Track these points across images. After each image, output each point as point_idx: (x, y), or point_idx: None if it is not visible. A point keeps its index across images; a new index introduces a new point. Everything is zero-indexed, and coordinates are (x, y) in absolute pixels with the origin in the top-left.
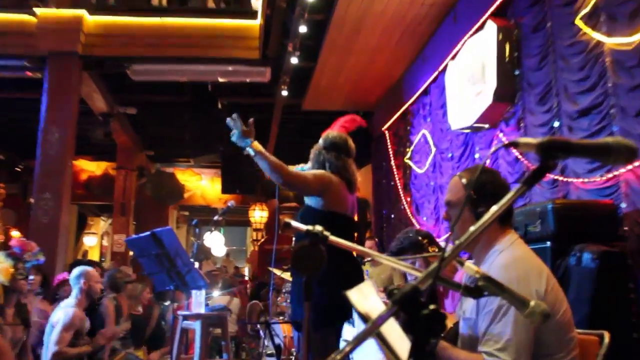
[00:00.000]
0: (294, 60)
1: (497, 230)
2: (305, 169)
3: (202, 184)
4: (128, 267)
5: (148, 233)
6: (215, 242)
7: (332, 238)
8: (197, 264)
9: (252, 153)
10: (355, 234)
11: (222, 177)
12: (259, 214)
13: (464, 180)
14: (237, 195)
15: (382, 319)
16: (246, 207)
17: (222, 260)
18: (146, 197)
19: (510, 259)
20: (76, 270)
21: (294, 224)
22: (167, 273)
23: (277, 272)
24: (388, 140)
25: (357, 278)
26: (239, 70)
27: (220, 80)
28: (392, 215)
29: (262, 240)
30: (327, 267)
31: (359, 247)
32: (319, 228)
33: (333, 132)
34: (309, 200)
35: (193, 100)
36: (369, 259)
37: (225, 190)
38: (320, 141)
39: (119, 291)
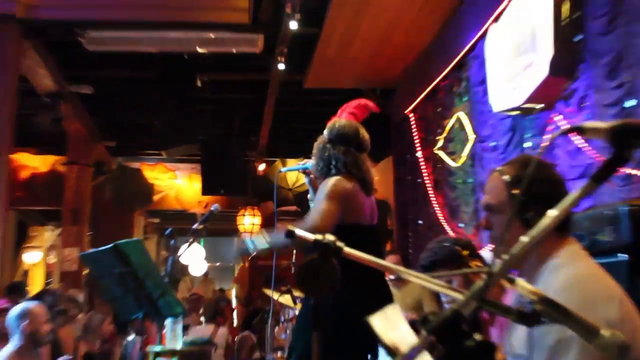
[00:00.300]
0: (294, 25)
1: (554, 241)
2: (308, 166)
3: (177, 183)
4: (80, 290)
5: (109, 246)
6: (195, 257)
7: (348, 250)
8: (171, 286)
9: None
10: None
11: (202, 174)
12: (249, 221)
13: (506, 177)
14: (221, 197)
15: (414, 353)
16: (233, 212)
17: (198, 281)
18: (105, 201)
19: (572, 277)
20: (16, 309)
21: (299, 232)
22: (133, 297)
23: (274, 295)
24: (413, 126)
25: (382, 299)
26: (224, 38)
27: (200, 50)
28: (420, 222)
29: (254, 254)
30: (343, 286)
31: (380, 261)
32: (330, 237)
33: (340, 120)
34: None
35: (165, 77)
36: (393, 276)
37: (206, 190)
38: (325, 132)
39: (61, 323)
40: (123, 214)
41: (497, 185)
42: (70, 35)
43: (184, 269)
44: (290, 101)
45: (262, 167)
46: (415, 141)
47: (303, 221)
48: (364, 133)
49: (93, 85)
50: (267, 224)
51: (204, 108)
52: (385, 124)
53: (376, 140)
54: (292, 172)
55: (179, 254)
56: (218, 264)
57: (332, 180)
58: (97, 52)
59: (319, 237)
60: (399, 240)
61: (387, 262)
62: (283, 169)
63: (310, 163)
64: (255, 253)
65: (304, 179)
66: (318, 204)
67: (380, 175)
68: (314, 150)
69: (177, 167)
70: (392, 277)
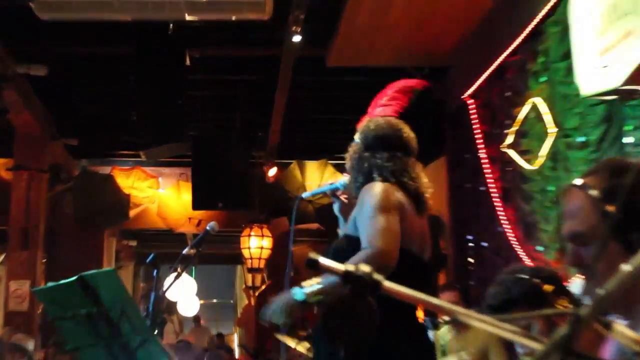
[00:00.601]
0: None
1: None
2: (339, 186)
3: (161, 194)
4: (31, 336)
5: (72, 279)
6: (184, 292)
7: (389, 285)
8: (155, 330)
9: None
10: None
11: (193, 182)
12: (256, 244)
13: (593, 192)
14: (219, 212)
15: None
16: (235, 233)
17: (190, 327)
18: (66, 217)
19: None
20: None
21: (324, 261)
22: (104, 347)
23: (290, 342)
24: (473, 117)
25: (422, 349)
26: (221, 2)
27: (189, 18)
28: (484, 244)
29: (263, 287)
30: (381, 332)
31: (432, 300)
32: (365, 269)
33: (375, 119)
34: (348, 228)
35: (144, 54)
36: (448, 318)
37: (199, 204)
38: (358, 138)
39: None
40: (89, 235)
41: (582, 204)
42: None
43: (170, 307)
44: (309, 85)
45: (272, 172)
46: (477, 136)
47: (358, 253)
48: (409, 132)
49: (48, 65)
50: (280, 247)
51: (195, 94)
52: (436, 115)
53: (424, 136)
54: (312, 178)
55: (163, 287)
56: (215, 300)
57: (379, 186)
58: (53, 22)
59: (350, 267)
60: (457, 270)
61: (441, 301)
62: (306, 194)
63: (341, 182)
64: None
65: (333, 205)
66: (367, 220)
67: (431, 181)
68: (348, 164)
69: (160, 172)
70: (447, 318)
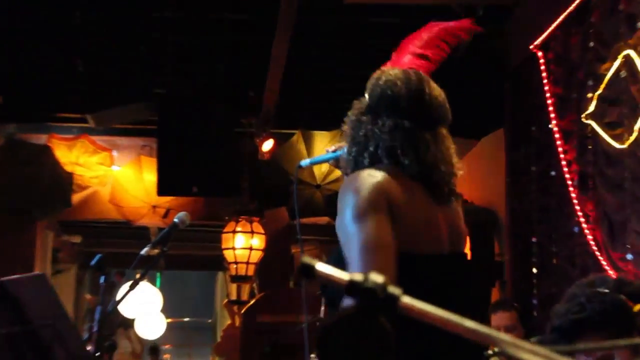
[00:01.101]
0: None
1: None
2: (338, 155)
3: (115, 173)
4: None
5: None
6: (144, 306)
7: (409, 301)
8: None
9: None
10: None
11: (159, 157)
12: (243, 243)
13: None
14: (193, 199)
15: None
16: (216, 228)
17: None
18: None
19: None
20: None
21: (322, 268)
22: None
23: None
24: (543, 75)
25: None
26: None
27: None
28: (554, 249)
29: (252, 302)
30: None
31: (467, 323)
32: (376, 278)
33: (390, 69)
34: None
35: None
36: (499, 350)
37: (166, 187)
38: (367, 94)
39: None
40: (16, 229)
41: None
42: None
43: (126, 321)
44: (318, 28)
45: (267, 145)
46: (547, 102)
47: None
48: (437, 94)
49: None
50: (276, 249)
51: (165, 38)
52: (492, 72)
53: (472, 101)
54: (322, 153)
55: (115, 298)
56: (186, 319)
57: (360, 181)
58: None
59: (357, 277)
60: (515, 283)
61: (479, 325)
62: (305, 162)
63: (340, 149)
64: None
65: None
66: (348, 237)
67: (481, 163)
68: (345, 127)
69: (114, 144)
70: (497, 350)
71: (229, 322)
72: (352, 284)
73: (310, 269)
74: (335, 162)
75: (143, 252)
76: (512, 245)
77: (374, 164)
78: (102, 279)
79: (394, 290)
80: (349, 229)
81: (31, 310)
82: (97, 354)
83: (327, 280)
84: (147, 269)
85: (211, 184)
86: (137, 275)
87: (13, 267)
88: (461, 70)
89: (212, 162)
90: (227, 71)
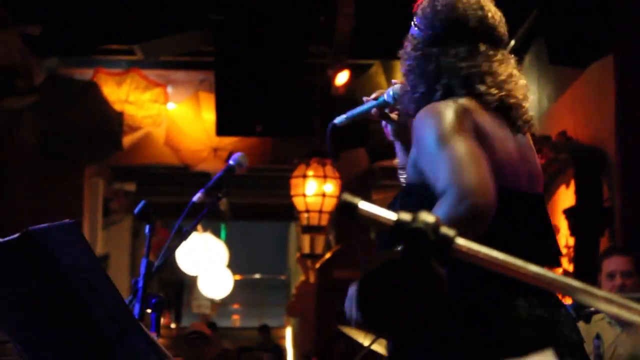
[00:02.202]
0: None
1: None
2: (390, 99)
3: (171, 112)
4: None
5: (14, 237)
6: (209, 262)
7: (465, 244)
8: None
9: None
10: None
11: (217, 93)
12: (315, 189)
13: None
14: (258, 140)
15: None
16: (284, 173)
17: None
18: (25, 148)
19: None
20: None
21: (366, 206)
22: (65, 337)
23: (361, 337)
24: None
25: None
26: None
27: None
28: None
29: (328, 256)
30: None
31: (533, 269)
32: (428, 218)
33: None
34: (408, 172)
35: None
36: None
37: (226, 127)
38: (416, 27)
39: None
40: (62, 175)
41: None
42: None
43: (184, 283)
44: None
45: (342, 78)
46: None
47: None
48: (493, 7)
49: None
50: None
51: None
52: None
53: (577, 22)
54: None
55: (174, 251)
56: (257, 276)
57: (437, 107)
58: None
59: (405, 217)
60: (627, 230)
61: (549, 272)
62: (340, 119)
63: (391, 92)
64: None
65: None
66: (432, 157)
67: (587, 95)
68: (403, 65)
69: (169, 78)
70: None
71: (302, 278)
72: (399, 224)
73: (352, 208)
74: (378, 112)
75: (195, 198)
76: (624, 189)
77: (447, 97)
78: (147, 229)
79: (447, 230)
80: (435, 153)
81: (63, 263)
82: (141, 311)
83: (371, 220)
84: (199, 217)
85: (278, 122)
86: (192, 225)
87: (59, 218)
88: None
89: (279, 98)
90: None
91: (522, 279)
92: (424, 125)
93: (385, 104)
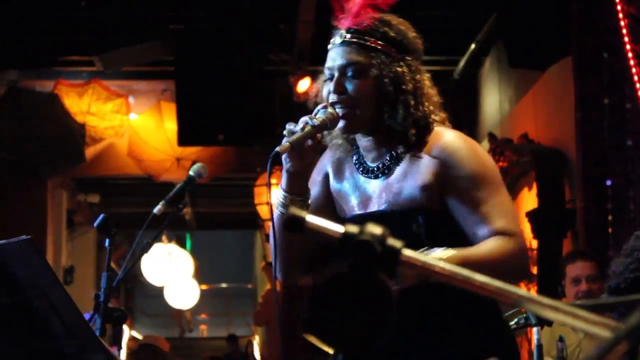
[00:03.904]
0: None
1: None
2: (325, 121)
3: (133, 122)
4: None
5: None
6: (173, 270)
7: (410, 255)
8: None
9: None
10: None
11: (178, 103)
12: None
13: None
14: (221, 149)
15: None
16: (250, 181)
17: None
18: None
19: None
20: None
21: (313, 220)
22: (19, 355)
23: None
24: None
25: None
26: None
27: None
28: (631, 192)
29: None
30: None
31: (485, 280)
32: (375, 231)
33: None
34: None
35: None
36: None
37: (187, 137)
38: (385, 41)
39: None
40: (25, 187)
41: None
42: None
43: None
44: None
45: (303, 85)
46: (620, 23)
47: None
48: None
49: None
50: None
51: None
52: None
53: (536, 26)
54: None
55: (139, 261)
56: (223, 285)
57: (472, 142)
58: None
59: (352, 230)
60: (589, 232)
61: (496, 281)
62: (284, 144)
63: (322, 112)
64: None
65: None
66: (492, 191)
67: (547, 97)
68: (356, 85)
69: (130, 89)
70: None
71: (268, 287)
72: (346, 236)
73: (300, 221)
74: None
75: (155, 210)
76: (585, 190)
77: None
78: (106, 242)
79: (393, 242)
80: (494, 191)
81: (21, 278)
82: (101, 326)
83: (319, 233)
84: (161, 229)
85: (240, 131)
86: (163, 235)
87: (23, 232)
88: None
89: (240, 106)
90: (253, 1)
91: (470, 289)
92: (485, 157)
93: (324, 129)
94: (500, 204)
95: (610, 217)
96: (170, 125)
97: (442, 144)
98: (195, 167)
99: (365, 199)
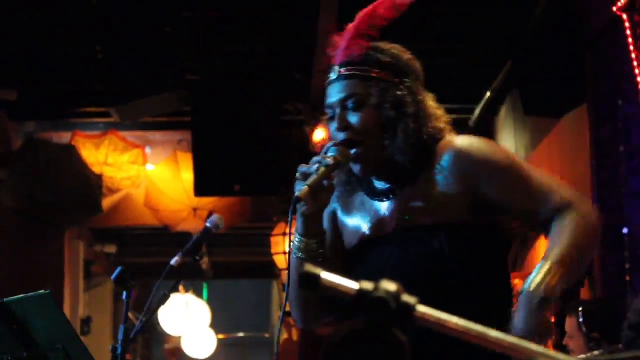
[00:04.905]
0: None
1: None
2: (337, 158)
3: (150, 173)
4: None
5: None
6: (191, 322)
7: (426, 311)
8: None
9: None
10: None
11: (194, 154)
12: None
13: None
14: (237, 199)
15: None
16: (267, 230)
17: None
18: (4, 212)
19: None
20: None
21: (328, 277)
22: None
23: None
24: (629, 40)
25: None
26: None
27: None
28: None
29: None
30: None
31: (498, 336)
32: (390, 287)
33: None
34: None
35: None
36: None
37: (203, 187)
38: (390, 69)
39: None
40: (42, 239)
41: None
42: None
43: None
44: None
45: (319, 134)
46: (635, 71)
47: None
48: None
49: None
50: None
51: (196, 15)
52: (572, 39)
53: (551, 74)
54: None
55: (157, 313)
56: (241, 334)
57: (483, 139)
58: None
59: (366, 286)
60: (606, 279)
61: (510, 337)
62: (300, 188)
63: (333, 150)
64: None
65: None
66: (527, 174)
67: (563, 145)
68: (363, 116)
69: (147, 139)
70: None
71: (285, 336)
72: (361, 293)
73: (315, 279)
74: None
75: (172, 262)
76: (602, 238)
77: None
78: (124, 295)
79: (408, 299)
80: (527, 173)
81: (38, 332)
82: None
83: (334, 290)
84: (178, 280)
85: (256, 181)
86: (179, 286)
87: (40, 282)
88: (535, 41)
89: (256, 156)
90: (268, 51)
91: (483, 345)
92: (502, 147)
93: (337, 167)
94: (540, 179)
95: (627, 265)
96: (187, 175)
97: (457, 150)
98: (212, 218)
99: (378, 222)
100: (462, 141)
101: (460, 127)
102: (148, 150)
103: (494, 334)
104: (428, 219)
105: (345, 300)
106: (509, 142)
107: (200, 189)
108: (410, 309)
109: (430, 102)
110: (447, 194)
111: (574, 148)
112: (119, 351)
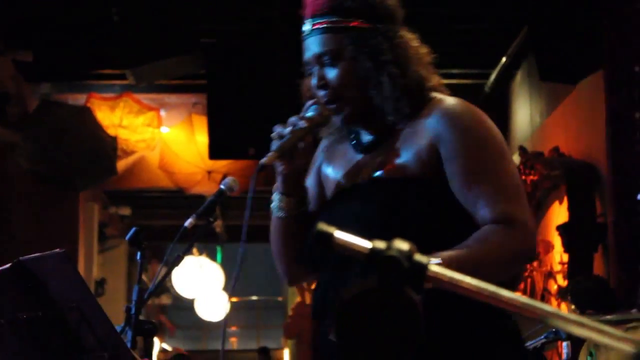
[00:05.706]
0: None
1: None
2: (317, 115)
3: (165, 135)
4: None
5: (6, 267)
6: (203, 283)
7: (439, 270)
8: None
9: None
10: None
11: (209, 116)
12: None
13: None
14: (252, 162)
15: None
16: None
17: None
18: (19, 174)
19: None
20: None
21: (341, 235)
22: None
23: None
24: None
25: None
26: None
27: None
28: None
29: None
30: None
31: (511, 295)
32: (403, 246)
33: None
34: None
35: None
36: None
37: (218, 150)
38: (368, 17)
39: None
40: (57, 201)
41: None
42: None
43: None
44: None
45: None
46: None
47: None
48: None
49: None
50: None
51: None
52: (590, 4)
53: (567, 40)
54: None
55: (169, 275)
56: (254, 297)
57: (476, 109)
58: None
59: (379, 245)
60: (620, 247)
61: (524, 297)
62: (269, 157)
63: (314, 108)
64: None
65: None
66: (491, 165)
67: (578, 111)
68: (344, 69)
69: (162, 102)
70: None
71: (298, 299)
72: (373, 252)
73: (328, 237)
74: (321, 127)
75: (186, 224)
76: (616, 205)
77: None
78: (138, 255)
79: (421, 258)
80: (494, 164)
81: (53, 291)
82: (133, 338)
83: (347, 249)
84: (191, 242)
85: (270, 144)
86: (193, 249)
87: (55, 244)
88: (552, 6)
89: (271, 120)
90: (284, 14)
91: (495, 304)
92: (489, 125)
93: (315, 129)
94: (505, 179)
95: None
96: (202, 138)
97: (443, 110)
98: (226, 180)
99: (352, 172)
100: (453, 102)
101: (476, 92)
102: (163, 112)
103: (506, 293)
104: (400, 172)
105: (316, 255)
106: (524, 107)
107: (215, 152)
108: (422, 267)
109: (412, 43)
110: (422, 148)
111: (589, 114)
112: (133, 311)
